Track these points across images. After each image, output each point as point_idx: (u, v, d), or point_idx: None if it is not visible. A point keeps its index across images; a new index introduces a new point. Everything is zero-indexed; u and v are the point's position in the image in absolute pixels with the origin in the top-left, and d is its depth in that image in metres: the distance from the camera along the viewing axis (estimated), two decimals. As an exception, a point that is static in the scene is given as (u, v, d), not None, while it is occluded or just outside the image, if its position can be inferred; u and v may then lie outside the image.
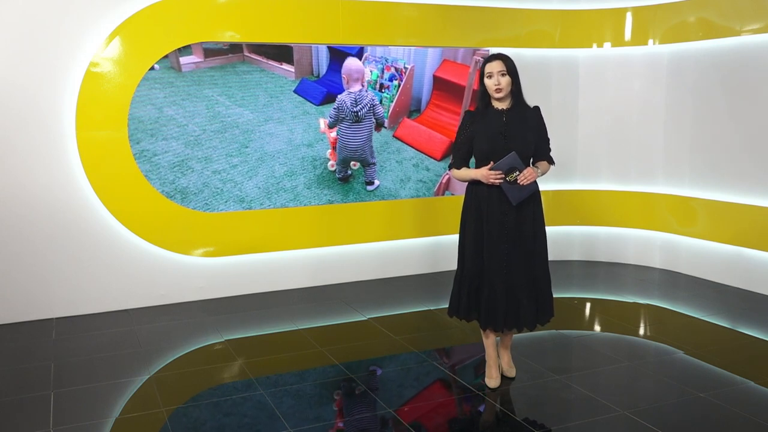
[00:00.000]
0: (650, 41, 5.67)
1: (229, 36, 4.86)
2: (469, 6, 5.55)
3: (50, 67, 4.43)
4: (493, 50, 5.63)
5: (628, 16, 5.75)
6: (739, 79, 5.11)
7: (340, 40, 5.17)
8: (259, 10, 4.92)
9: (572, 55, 5.94)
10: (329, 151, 5.29)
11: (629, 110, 5.86)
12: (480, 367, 3.63)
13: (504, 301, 3.26)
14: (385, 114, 5.41)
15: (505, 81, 3.19)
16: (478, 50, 5.64)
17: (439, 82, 5.56)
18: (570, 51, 5.92)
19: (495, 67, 3.19)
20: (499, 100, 3.24)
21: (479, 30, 5.62)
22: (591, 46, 5.89)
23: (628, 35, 5.77)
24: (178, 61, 4.75)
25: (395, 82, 5.37)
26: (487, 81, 3.22)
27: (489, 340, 3.44)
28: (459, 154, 3.33)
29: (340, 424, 3.11)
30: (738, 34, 5.06)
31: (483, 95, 3.28)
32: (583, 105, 6.00)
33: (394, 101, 5.39)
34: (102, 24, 4.51)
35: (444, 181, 5.71)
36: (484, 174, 3.18)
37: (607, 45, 5.84)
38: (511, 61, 3.23)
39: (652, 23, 5.64)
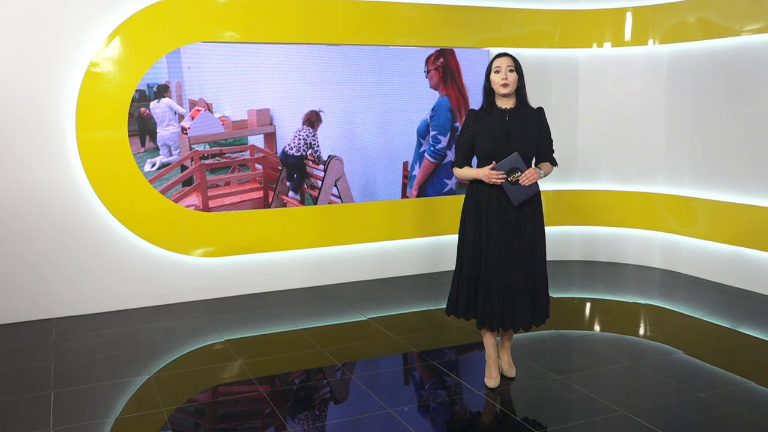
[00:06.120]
0: (650, 41, 5.67)
1: (229, 36, 4.85)
2: (469, 6, 5.55)
3: (50, 67, 4.43)
4: (494, 50, 5.64)
5: (628, 16, 5.74)
6: (739, 79, 5.11)
7: (340, 39, 5.17)
8: (259, 11, 4.91)
9: (572, 55, 5.94)
10: None
11: (629, 110, 5.86)
12: (480, 367, 3.63)
13: (500, 301, 3.26)
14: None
15: (513, 77, 3.19)
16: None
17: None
18: (570, 51, 5.92)
19: (504, 62, 3.20)
20: (504, 98, 3.24)
21: (479, 30, 5.62)
22: (591, 46, 5.89)
23: (628, 35, 5.77)
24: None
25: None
26: (494, 76, 3.21)
27: (489, 340, 3.44)
28: (461, 152, 3.33)
29: (340, 425, 3.11)
30: (738, 34, 5.06)
31: (487, 94, 3.28)
32: (583, 105, 5.99)
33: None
34: (102, 24, 4.51)
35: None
36: (486, 174, 3.18)
37: (607, 45, 5.84)
38: (518, 61, 3.25)
39: (652, 23, 5.64)
